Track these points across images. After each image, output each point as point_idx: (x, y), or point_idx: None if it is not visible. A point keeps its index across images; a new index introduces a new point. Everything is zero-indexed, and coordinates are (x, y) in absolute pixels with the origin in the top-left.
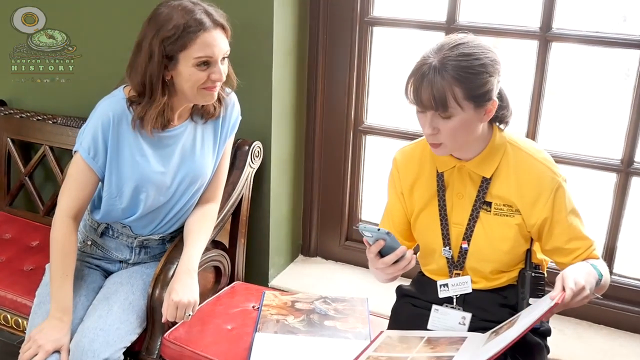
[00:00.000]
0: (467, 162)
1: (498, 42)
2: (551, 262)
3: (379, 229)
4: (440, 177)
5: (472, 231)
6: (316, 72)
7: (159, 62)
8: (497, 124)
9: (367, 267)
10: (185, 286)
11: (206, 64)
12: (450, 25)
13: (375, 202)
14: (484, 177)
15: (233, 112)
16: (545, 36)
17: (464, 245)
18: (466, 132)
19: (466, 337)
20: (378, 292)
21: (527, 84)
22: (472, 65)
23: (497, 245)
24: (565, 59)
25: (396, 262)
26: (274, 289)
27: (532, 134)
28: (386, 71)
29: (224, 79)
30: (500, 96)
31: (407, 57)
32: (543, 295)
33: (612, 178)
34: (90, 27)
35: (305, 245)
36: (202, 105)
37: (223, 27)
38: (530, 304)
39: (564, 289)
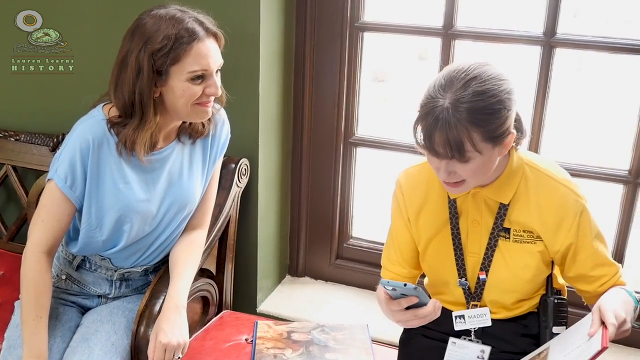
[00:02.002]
0: (482, 189)
1: (496, 47)
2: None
3: (405, 284)
4: (452, 203)
5: (490, 261)
6: (303, 81)
7: (149, 77)
8: (513, 144)
9: (358, 286)
10: (173, 325)
11: (201, 77)
12: (447, 31)
13: (366, 218)
14: (501, 203)
15: (223, 130)
16: (550, 42)
17: (482, 276)
18: (486, 170)
19: None
20: (374, 315)
21: (529, 91)
22: (489, 105)
23: (519, 274)
24: (571, 65)
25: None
26: (266, 317)
27: (535, 144)
28: (377, 80)
29: (220, 92)
30: (516, 122)
31: (398, 64)
32: (566, 322)
33: (619, 189)
34: (83, 26)
35: (293, 265)
36: (190, 124)
37: (216, 36)
38: (554, 333)
39: (602, 324)
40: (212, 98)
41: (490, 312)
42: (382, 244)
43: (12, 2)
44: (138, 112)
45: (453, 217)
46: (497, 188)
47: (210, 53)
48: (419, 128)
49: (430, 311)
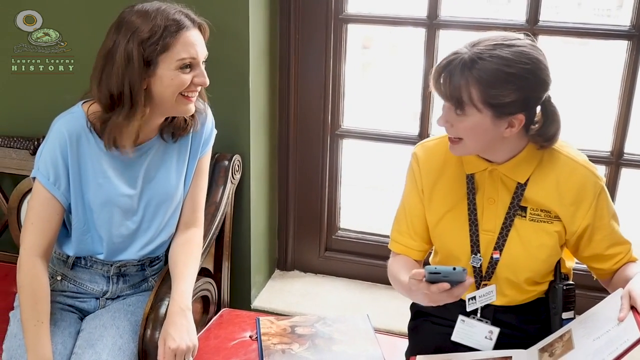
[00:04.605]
0: (499, 166)
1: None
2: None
3: (454, 268)
4: (470, 178)
5: (505, 240)
6: (288, 74)
7: (139, 67)
8: (540, 141)
9: (348, 277)
10: (181, 329)
11: (189, 66)
12: (432, 21)
13: (354, 209)
14: (518, 182)
15: (206, 126)
16: (533, 29)
17: (495, 256)
18: (483, 136)
19: (510, 357)
20: (369, 304)
21: None
22: (499, 70)
23: (534, 253)
24: (552, 51)
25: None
26: (261, 312)
27: None
28: (360, 70)
29: (208, 82)
30: (547, 113)
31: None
32: (574, 307)
33: (601, 170)
34: (83, 26)
35: (282, 259)
36: (172, 121)
37: (201, 27)
38: (563, 319)
39: (632, 308)
40: (197, 92)
41: (503, 295)
42: (370, 235)
43: (12, 2)
44: (127, 103)
45: (470, 193)
46: (513, 166)
47: (197, 42)
48: (435, 70)
49: (467, 286)
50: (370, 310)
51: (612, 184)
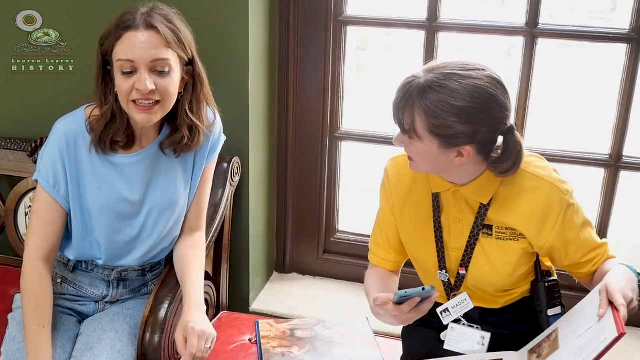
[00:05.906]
0: (461, 187)
1: (481, 38)
2: None
3: (423, 289)
4: (435, 197)
5: (470, 257)
6: (288, 77)
7: (99, 67)
8: (495, 172)
9: (346, 279)
10: (201, 320)
11: (131, 70)
12: (432, 24)
13: (353, 211)
14: (481, 203)
15: (213, 133)
16: (532, 32)
17: (462, 272)
18: (432, 161)
19: (502, 359)
20: (368, 307)
21: (514, 80)
22: (444, 102)
23: (501, 269)
24: (552, 55)
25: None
26: (260, 315)
27: (519, 131)
28: (355, 72)
29: (148, 89)
30: (506, 146)
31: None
32: (560, 303)
33: (600, 173)
34: (83, 26)
35: (280, 262)
36: (171, 134)
37: (158, 31)
38: (550, 316)
39: (610, 304)
40: (150, 101)
41: (481, 300)
42: (369, 237)
43: (12, 2)
44: (102, 104)
45: (435, 211)
46: (475, 188)
47: (140, 44)
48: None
49: (434, 300)
50: (369, 313)
51: (611, 187)
